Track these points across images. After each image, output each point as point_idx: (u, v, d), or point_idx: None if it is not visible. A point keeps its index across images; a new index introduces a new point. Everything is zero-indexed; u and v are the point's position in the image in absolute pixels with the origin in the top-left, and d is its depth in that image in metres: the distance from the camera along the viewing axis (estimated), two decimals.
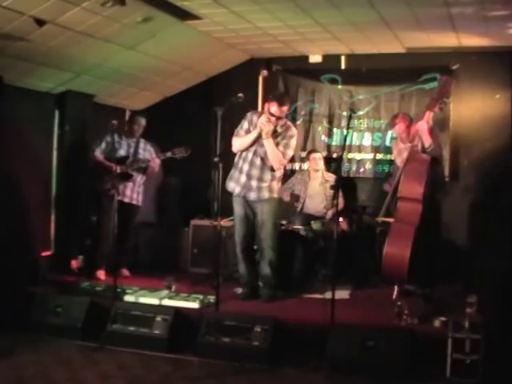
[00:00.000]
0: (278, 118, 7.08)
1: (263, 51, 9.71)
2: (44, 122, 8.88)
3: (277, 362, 5.85)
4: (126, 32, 7.79)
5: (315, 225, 8.36)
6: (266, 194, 7.24)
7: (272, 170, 7.23)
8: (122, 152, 8.50)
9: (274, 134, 7.14)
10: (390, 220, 7.36)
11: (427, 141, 7.32)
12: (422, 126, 7.33)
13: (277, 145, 7.15)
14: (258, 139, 7.19)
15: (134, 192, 8.60)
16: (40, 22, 6.97)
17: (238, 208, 7.41)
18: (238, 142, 7.30)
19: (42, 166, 8.84)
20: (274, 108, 7.04)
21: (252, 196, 7.26)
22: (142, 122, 8.69)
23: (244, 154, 7.31)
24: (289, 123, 7.42)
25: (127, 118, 9.69)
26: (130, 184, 8.49)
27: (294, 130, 7.34)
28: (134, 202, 8.66)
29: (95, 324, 6.58)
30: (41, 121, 8.80)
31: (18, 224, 8.18)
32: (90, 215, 8.95)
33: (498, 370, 5.29)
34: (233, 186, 7.38)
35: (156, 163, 8.49)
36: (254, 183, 7.24)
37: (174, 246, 9.66)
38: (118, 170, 8.18)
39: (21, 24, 6.88)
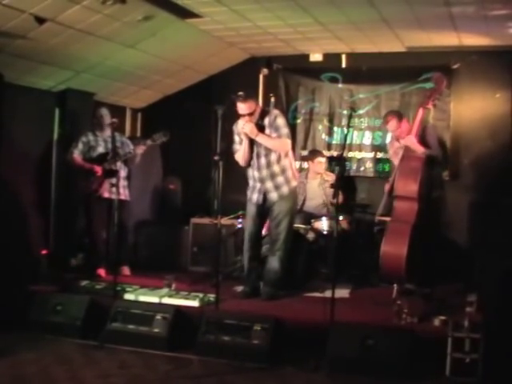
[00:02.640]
0: (251, 114, 7.07)
1: (264, 50, 9.71)
2: (44, 120, 8.88)
3: (276, 361, 5.84)
4: (126, 30, 7.80)
5: (327, 224, 8.35)
6: (285, 190, 7.25)
7: (279, 161, 7.23)
8: (100, 149, 8.48)
9: (261, 128, 7.15)
10: (387, 219, 7.37)
11: (420, 150, 7.34)
12: (411, 140, 7.35)
13: (270, 135, 7.16)
14: (252, 143, 7.21)
15: (119, 187, 8.53)
16: (40, 20, 6.99)
17: (251, 207, 7.43)
18: (240, 156, 7.33)
19: (41, 165, 8.83)
20: (240, 107, 7.05)
21: (274, 197, 7.26)
22: (104, 111, 8.60)
23: (251, 162, 7.33)
24: (268, 110, 7.45)
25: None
26: (114, 180, 8.43)
27: (274, 111, 7.34)
28: (122, 198, 8.57)
29: (95, 322, 6.56)
30: (41, 119, 8.80)
31: (18, 222, 8.18)
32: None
33: (497, 369, 5.29)
34: (249, 195, 7.44)
35: (138, 153, 8.46)
36: (269, 184, 7.25)
37: (174, 244, 9.64)
38: (100, 169, 8.21)
39: (21, 22, 6.89)
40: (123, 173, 8.63)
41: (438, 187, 7.68)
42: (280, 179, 7.24)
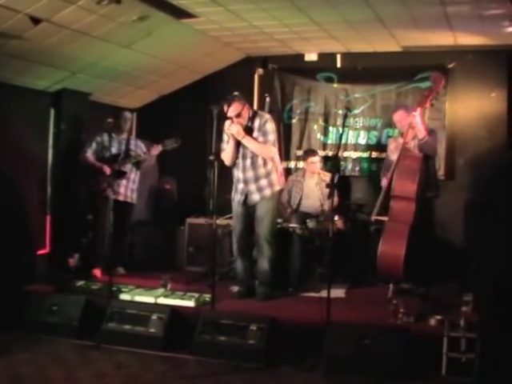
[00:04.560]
0: (238, 116, 7.08)
1: (259, 50, 9.71)
2: (40, 120, 8.86)
3: (273, 361, 5.85)
4: (121, 30, 7.79)
5: (311, 223, 8.33)
6: (267, 192, 7.23)
7: (264, 164, 7.23)
8: (113, 150, 8.46)
9: (249, 131, 7.16)
10: (384, 218, 7.36)
11: (421, 132, 7.33)
12: (415, 118, 7.33)
13: (257, 138, 7.17)
14: (238, 144, 7.22)
15: (127, 190, 8.59)
16: (35, 21, 6.96)
17: (236, 206, 7.42)
18: (225, 155, 7.32)
19: (37, 165, 8.81)
20: (229, 111, 7.06)
21: (255, 198, 7.25)
22: (128, 115, 8.69)
23: (236, 162, 7.33)
24: (259, 112, 7.46)
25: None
26: (124, 182, 8.48)
27: (265, 116, 7.33)
28: (129, 200, 8.65)
29: (91, 322, 6.58)
30: (36, 119, 8.78)
31: (14, 223, 8.16)
32: (86, 214, 8.93)
33: (493, 368, 5.30)
34: (233, 195, 7.44)
35: (154, 154, 8.48)
36: (252, 186, 7.24)
37: (169, 244, 9.65)
38: (109, 169, 8.18)
39: (16, 22, 6.87)
40: (133, 175, 8.65)
41: (433, 187, 7.65)
42: (263, 182, 7.23)
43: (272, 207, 7.30)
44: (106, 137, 8.53)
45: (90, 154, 8.50)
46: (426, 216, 7.39)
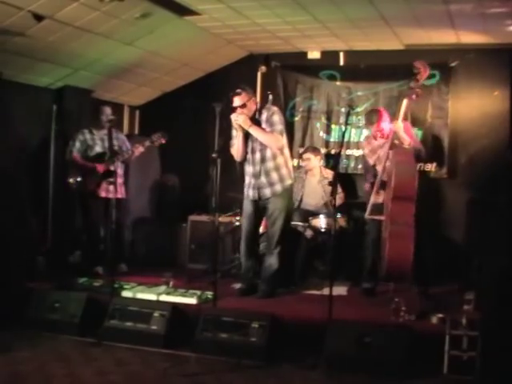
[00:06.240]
0: (244, 106, 7.11)
1: (262, 47, 9.70)
2: (42, 117, 8.86)
3: (274, 359, 5.85)
4: (124, 28, 7.80)
5: (325, 221, 8.30)
6: (278, 188, 7.24)
7: (274, 157, 7.24)
8: (97, 148, 8.45)
9: (258, 123, 7.18)
10: (379, 217, 7.23)
11: (405, 140, 7.17)
12: (399, 126, 7.19)
13: (265, 130, 7.18)
14: (246, 137, 7.24)
15: (116, 186, 8.49)
16: (38, 18, 6.98)
17: (247, 205, 7.43)
18: (234, 150, 7.35)
19: (39, 161, 8.82)
20: (235, 102, 7.11)
21: (267, 193, 7.26)
22: (108, 111, 8.52)
23: (246, 157, 7.34)
24: (267, 106, 7.53)
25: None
26: (112, 179, 8.41)
27: (273, 108, 7.37)
28: (119, 196, 8.56)
29: (93, 320, 6.57)
30: (39, 116, 8.78)
31: (16, 219, 8.16)
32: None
33: (495, 366, 5.29)
34: (246, 191, 7.44)
35: (136, 155, 8.44)
36: (263, 180, 7.25)
37: (171, 241, 9.66)
38: (101, 168, 8.20)
39: (19, 19, 6.88)
40: (120, 170, 8.60)
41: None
42: (274, 176, 7.24)
43: (284, 206, 7.29)
44: (87, 135, 8.48)
45: (76, 154, 8.44)
46: (425, 215, 7.31)
